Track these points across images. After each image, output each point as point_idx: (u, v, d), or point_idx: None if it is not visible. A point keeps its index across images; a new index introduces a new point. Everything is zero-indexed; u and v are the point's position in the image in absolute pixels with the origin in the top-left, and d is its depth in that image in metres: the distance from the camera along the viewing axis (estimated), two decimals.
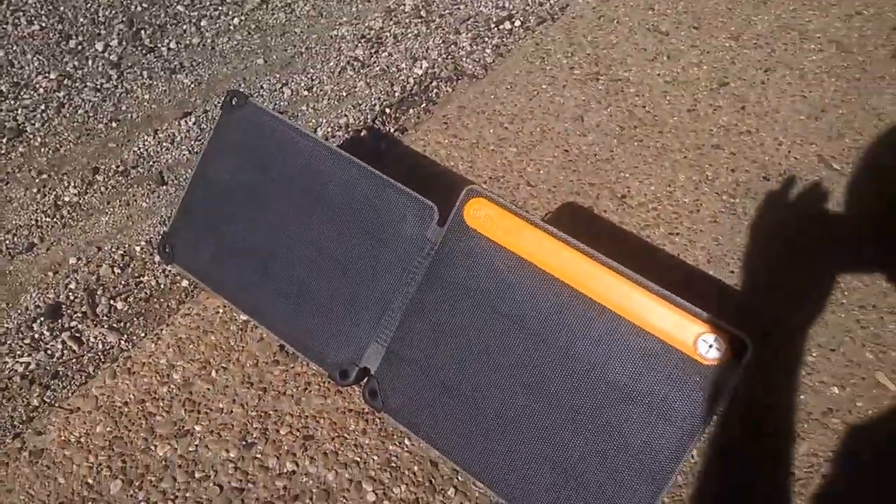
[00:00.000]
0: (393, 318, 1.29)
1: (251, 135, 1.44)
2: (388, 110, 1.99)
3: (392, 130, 1.93)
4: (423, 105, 2.02)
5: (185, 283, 1.54)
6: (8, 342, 1.40)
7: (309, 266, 1.36)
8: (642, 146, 1.91)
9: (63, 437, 1.25)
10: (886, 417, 1.37)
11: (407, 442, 1.28)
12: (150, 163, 1.79)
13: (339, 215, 1.34)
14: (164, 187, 1.73)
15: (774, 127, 1.99)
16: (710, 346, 1.06)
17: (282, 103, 1.99)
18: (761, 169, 1.87)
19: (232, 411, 1.30)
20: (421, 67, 2.13)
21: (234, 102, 1.46)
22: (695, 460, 1.28)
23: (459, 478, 1.23)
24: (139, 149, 1.82)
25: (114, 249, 1.58)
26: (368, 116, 1.96)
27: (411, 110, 2.00)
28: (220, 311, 1.45)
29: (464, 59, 2.18)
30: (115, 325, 1.44)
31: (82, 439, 1.25)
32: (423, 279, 1.26)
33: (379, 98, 2.03)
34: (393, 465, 1.24)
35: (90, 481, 1.20)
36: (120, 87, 2.01)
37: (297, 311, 1.36)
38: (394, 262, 1.29)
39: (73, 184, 1.72)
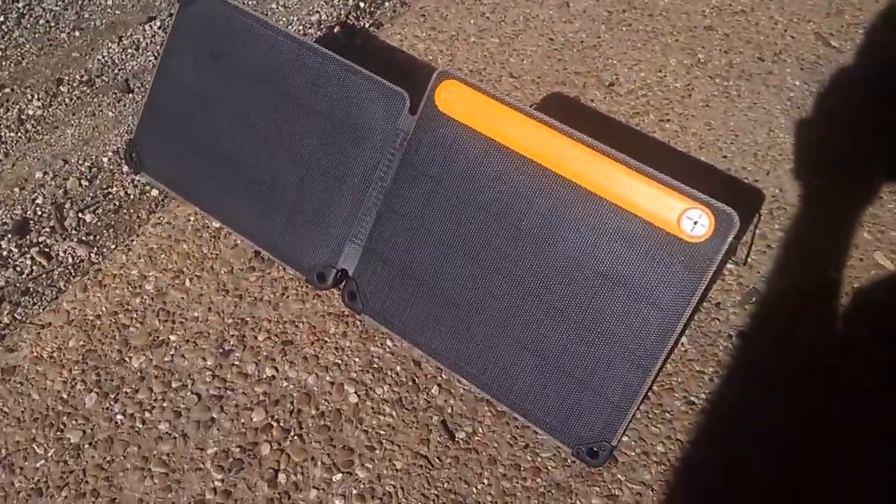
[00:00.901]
0: (368, 216, 1.23)
1: (210, 29, 1.35)
2: (362, 4, 1.88)
3: (367, 25, 1.83)
4: None
5: (154, 192, 1.48)
6: None
7: (278, 165, 1.30)
8: (631, 30, 1.81)
9: (35, 353, 1.22)
10: (886, 297, 1.33)
11: (389, 343, 1.24)
12: (115, 71, 1.71)
13: (306, 108, 1.27)
14: (131, 95, 1.65)
15: (770, 5, 1.89)
16: (696, 223, 1.01)
17: (250, 1, 1.89)
18: (756, 49, 1.77)
19: (208, 319, 1.26)
20: None
21: None
22: (684, 348, 1.24)
23: (443, 375, 1.20)
24: (103, 57, 1.74)
25: (80, 161, 1.52)
26: (341, 11, 1.86)
27: (387, 3, 1.90)
28: (192, 219, 1.39)
29: None
30: (84, 238, 1.39)
31: (55, 354, 1.21)
32: (396, 172, 1.20)
33: None
34: (375, 366, 1.21)
35: (64, 396, 1.17)
36: None
37: (269, 213, 1.30)
38: (365, 156, 1.23)
39: (36, 96, 1.64)
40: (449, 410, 1.17)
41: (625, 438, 1.14)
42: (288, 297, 1.29)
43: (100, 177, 1.49)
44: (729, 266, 1.35)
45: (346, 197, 1.25)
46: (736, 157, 1.54)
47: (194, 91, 1.36)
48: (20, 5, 1.84)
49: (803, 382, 1.21)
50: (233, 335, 1.24)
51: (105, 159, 1.53)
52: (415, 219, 1.19)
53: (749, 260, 1.36)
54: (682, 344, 1.25)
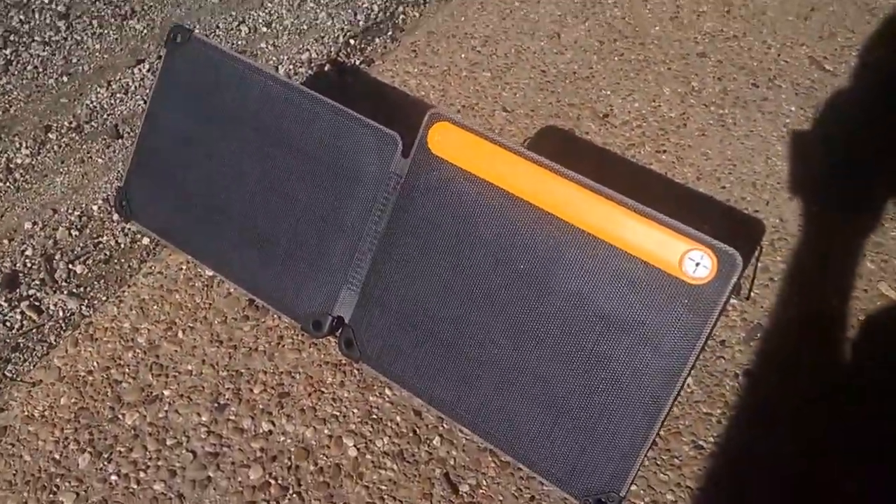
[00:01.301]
0: (363, 261, 1.21)
1: (199, 74, 1.33)
2: (352, 41, 1.87)
3: (358, 62, 1.81)
4: (390, 33, 1.90)
5: (146, 240, 1.45)
6: None
7: (271, 211, 1.27)
8: (623, 60, 1.80)
9: (27, 413, 1.19)
10: (891, 327, 1.30)
11: (388, 392, 1.21)
12: (104, 116, 1.69)
13: (297, 153, 1.25)
14: (120, 141, 1.63)
15: (762, 30, 1.88)
16: (697, 265, 0.98)
17: (239, 42, 1.87)
18: (750, 75, 1.76)
19: (202, 373, 1.23)
20: None
21: (177, 39, 1.35)
22: (690, 389, 1.22)
23: (444, 425, 1.17)
24: (92, 102, 1.72)
25: (70, 211, 1.49)
26: (332, 49, 1.84)
27: (377, 39, 1.89)
28: (184, 267, 1.37)
29: None
30: (74, 290, 1.36)
31: (46, 413, 1.18)
32: (390, 216, 1.18)
33: (342, 29, 1.91)
34: (374, 416, 1.18)
35: (57, 457, 1.14)
36: (70, 38, 1.89)
37: (262, 260, 1.28)
38: (359, 200, 1.21)
39: (24, 144, 1.62)
40: (451, 462, 1.13)
41: (633, 487, 1.11)
42: (284, 346, 1.26)
43: (90, 226, 1.47)
44: (732, 302, 1.33)
45: (341, 242, 1.22)
46: (735, 187, 1.52)
47: (183, 136, 1.34)
48: (7, 52, 1.83)
49: (806, 414, 1.19)
50: (228, 388, 1.21)
51: (95, 207, 1.50)
52: (411, 264, 1.17)
53: (752, 294, 1.34)
54: (689, 385, 1.22)
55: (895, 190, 1.50)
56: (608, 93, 1.72)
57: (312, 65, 1.80)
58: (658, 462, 1.14)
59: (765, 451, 1.15)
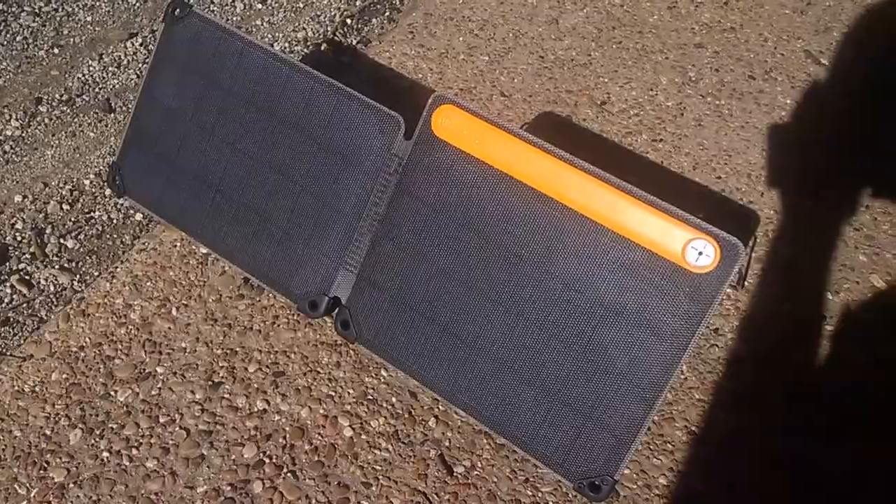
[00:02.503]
0: (361, 243, 1.20)
1: (197, 49, 1.31)
2: (349, 21, 1.85)
3: (354, 43, 1.80)
4: (387, 14, 1.89)
5: (138, 216, 1.44)
6: None
7: (268, 190, 1.26)
8: (622, 48, 1.80)
9: (17, 388, 1.17)
10: (882, 319, 1.32)
11: (384, 373, 1.21)
12: (96, 89, 1.66)
13: (297, 133, 1.24)
14: (112, 115, 1.61)
15: (759, 22, 1.88)
16: (700, 253, 0.99)
17: (234, 18, 1.85)
18: (746, 67, 1.77)
19: (196, 350, 1.22)
20: None
21: (175, 13, 1.33)
22: (684, 376, 1.23)
23: (440, 407, 1.17)
24: (83, 75, 1.69)
25: (61, 184, 1.47)
26: (328, 28, 1.82)
27: (374, 20, 1.87)
28: (178, 244, 1.35)
29: None
30: (66, 264, 1.35)
31: (37, 388, 1.17)
32: (391, 198, 1.17)
33: (339, 8, 1.89)
34: (370, 397, 1.18)
35: (48, 432, 1.12)
36: (60, 10, 1.85)
37: (258, 239, 1.27)
38: (359, 181, 1.20)
39: (14, 117, 1.59)
40: (447, 444, 1.14)
41: (626, 471, 1.12)
42: (279, 326, 1.26)
43: (81, 200, 1.45)
44: (727, 290, 1.34)
45: (340, 223, 1.21)
46: (730, 177, 1.53)
47: (180, 113, 1.33)
48: None
49: (797, 400, 1.20)
50: (222, 366, 1.20)
51: (87, 182, 1.48)
52: (410, 246, 1.16)
53: (746, 284, 1.35)
54: (682, 372, 1.23)
55: (887, 184, 1.52)
56: (606, 80, 1.72)
57: (309, 43, 1.78)
58: (651, 447, 1.15)
59: (756, 436, 1.16)
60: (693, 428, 1.17)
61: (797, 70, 1.76)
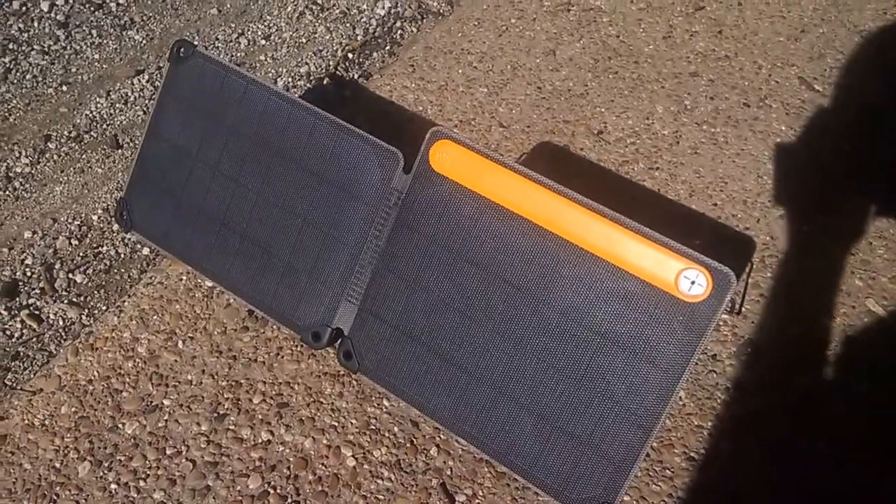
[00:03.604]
0: (363, 275, 1.22)
1: (201, 87, 1.35)
2: (350, 55, 1.90)
3: (356, 76, 1.84)
4: (388, 48, 1.93)
5: (146, 250, 1.47)
6: None
7: (271, 224, 1.29)
8: (618, 78, 1.83)
9: (27, 421, 1.20)
10: (878, 343, 1.33)
11: (386, 402, 1.23)
12: (104, 126, 1.70)
13: (299, 168, 1.27)
14: (120, 151, 1.64)
15: (753, 50, 1.91)
16: (693, 283, 1.01)
17: (238, 54, 1.89)
18: (741, 95, 1.80)
19: (201, 382, 1.24)
20: (383, 7, 2.03)
21: (181, 53, 1.37)
22: (682, 402, 1.24)
23: (441, 436, 1.19)
24: (91, 112, 1.73)
25: (70, 220, 1.51)
26: (330, 63, 1.86)
27: (375, 54, 1.91)
28: (184, 278, 1.38)
29: None
30: (74, 299, 1.38)
31: (47, 422, 1.19)
32: (391, 231, 1.20)
33: (340, 43, 1.93)
34: (372, 427, 1.20)
35: (57, 465, 1.15)
36: (69, 48, 1.90)
37: (262, 272, 1.30)
38: (360, 215, 1.23)
39: (24, 153, 1.63)
40: (448, 472, 1.15)
41: (626, 498, 1.13)
42: (283, 357, 1.28)
43: (90, 235, 1.48)
44: (724, 317, 1.35)
45: (341, 255, 1.24)
46: (726, 204, 1.55)
47: (186, 149, 1.36)
48: (6, 60, 1.84)
49: (795, 426, 1.21)
50: (227, 398, 1.22)
51: (95, 217, 1.52)
52: (410, 277, 1.19)
53: (743, 310, 1.37)
54: (681, 398, 1.25)
55: (883, 209, 1.54)
56: (602, 110, 1.75)
57: (311, 78, 1.82)
58: (650, 473, 1.16)
59: (755, 462, 1.17)
60: (692, 454, 1.18)
61: (791, 97, 1.79)
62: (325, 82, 1.80)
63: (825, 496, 1.14)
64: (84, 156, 1.63)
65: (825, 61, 1.88)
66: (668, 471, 1.16)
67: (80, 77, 1.82)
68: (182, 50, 1.37)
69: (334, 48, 1.90)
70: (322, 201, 1.26)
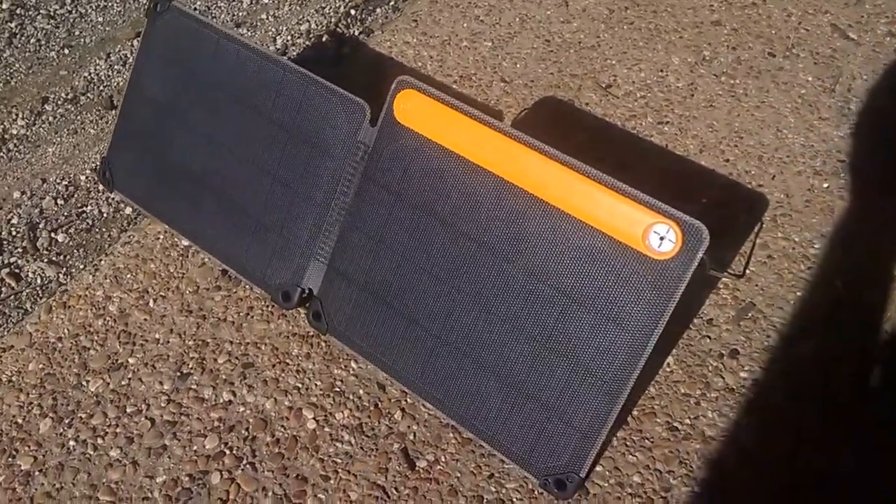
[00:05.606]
0: (331, 233, 1.17)
1: (178, 43, 1.31)
2: (353, 11, 1.83)
3: (357, 33, 1.77)
4: (392, 2, 1.86)
5: (128, 210, 1.45)
6: None
7: (245, 182, 1.25)
8: (633, 28, 1.72)
9: None
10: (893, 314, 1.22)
11: (354, 365, 1.18)
12: (101, 87, 1.69)
13: (269, 122, 1.22)
14: (114, 111, 1.63)
15: None
16: (662, 239, 0.92)
17: (241, 13, 1.85)
18: (766, 44, 1.66)
19: (168, 342, 1.22)
20: None
21: (157, 8, 1.33)
22: (670, 368, 1.15)
23: (408, 400, 1.13)
24: (90, 74, 1.72)
25: (58, 180, 1.50)
26: (332, 20, 1.80)
27: (378, 9, 1.84)
28: (161, 237, 1.35)
29: None
30: (54, 258, 1.37)
31: (14, 378, 1.18)
32: (357, 186, 1.14)
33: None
34: (337, 389, 1.15)
35: (20, 421, 1.14)
36: (74, 11, 1.89)
37: (235, 230, 1.26)
38: (328, 170, 1.17)
39: (21, 115, 1.63)
40: (411, 437, 1.10)
41: (598, 468, 1.05)
42: (253, 317, 1.24)
43: (76, 195, 1.47)
44: (724, 280, 1.25)
45: (310, 213, 1.19)
46: (739, 160, 1.43)
47: (163, 106, 1.33)
48: (13, 25, 1.84)
49: (795, 399, 1.11)
50: (192, 358, 1.19)
51: (83, 177, 1.50)
52: (376, 235, 1.13)
53: (747, 271, 1.26)
54: (668, 364, 1.16)
55: None
56: (613, 62, 1.65)
57: (311, 36, 1.76)
58: (628, 443, 1.08)
59: (745, 436, 1.08)
60: (675, 424, 1.10)
61: (822, 45, 1.65)
62: (324, 39, 1.75)
63: (821, 473, 1.04)
64: (79, 117, 1.62)
65: (863, 7, 1.73)
66: (647, 440, 1.08)
67: (83, 40, 1.81)
68: (159, 5, 1.33)
69: (337, 4, 1.84)
70: (291, 157, 1.20)
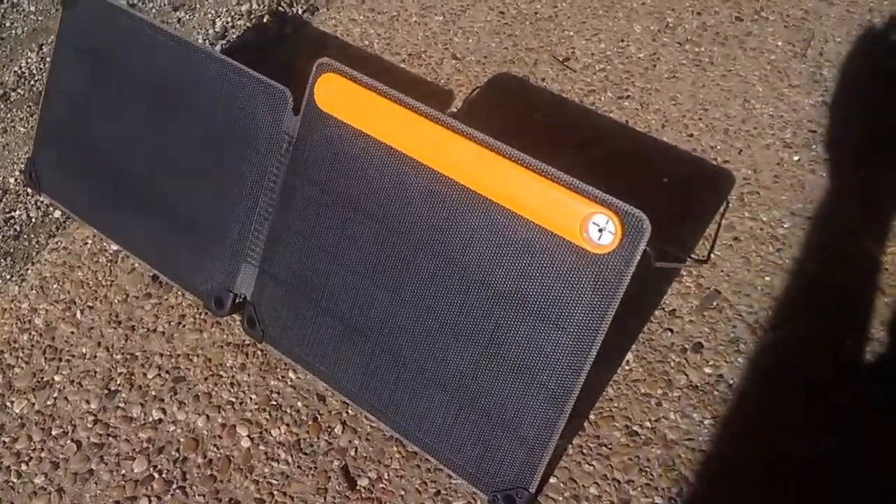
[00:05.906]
0: (261, 232, 1.09)
1: (94, 32, 1.22)
2: None
3: (300, 12, 1.67)
4: None
5: (57, 213, 1.36)
6: None
7: (170, 179, 1.17)
8: None
9: None
10: (869, 294, 1.14)
11: (292, 375, 1.10)
12: (32, 82, 1.60)
13: (191, 113, 1.13)
14: None
15: None
16: (601, 230, 0.84)
17: None
18: (734, 7, 1.57)
19: (96, 356, 1.14)
20: None
21: None
22: (629, 367, 1.08)
23: (349, 411, 1.06)
24: (20, 68, 1.63)
25: None
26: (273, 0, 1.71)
27: None
28: (89, 242, 1.27)
29: None
30: None
31: None
32: (283, 181, 1.06)
33: None
34: (273, 402, 1.07)
35: None
36: (6, 1, 1.79)
37: (163, 233, 1.18)
38: (253, 164, 1.09)
39: None
40: (353, 453, 1.02)
41: (552, 480, 0.98)
42: (185, 326, 1.16)
43: (4, 200, 1.39)
44: (689, 265, 1.17)
45: (238, 211, 1.11)
46: (703, 134, 1.35)
47: (83, 100, 1.24)
48: None
49: (765, 394, 1.04)
50: (120, 373, 1.12)
51: (12, 180, 1.42)
52: (305, 232, 1.04)
53: (712, 256, 1.18)
54: (628, 361, 1.08)
55: (887, 139, 1.31)
56: (571, 34, 1.55)
57: (252, 16, 1.66)
58: (584, 451, 1.01)
59: (710, 436, 1.00)
60: (635, 428, 1.02)
61: (793, 6, 1.55)
62: (265, 20, 1.65)
63: (797, 469, 0.97)
64: (9, 115, 1.53)
65: None
66: (605, 447, 1.01)
67: (13, 31, 1.71)
68: None
69: None
70: (215, 150, 1.12)
